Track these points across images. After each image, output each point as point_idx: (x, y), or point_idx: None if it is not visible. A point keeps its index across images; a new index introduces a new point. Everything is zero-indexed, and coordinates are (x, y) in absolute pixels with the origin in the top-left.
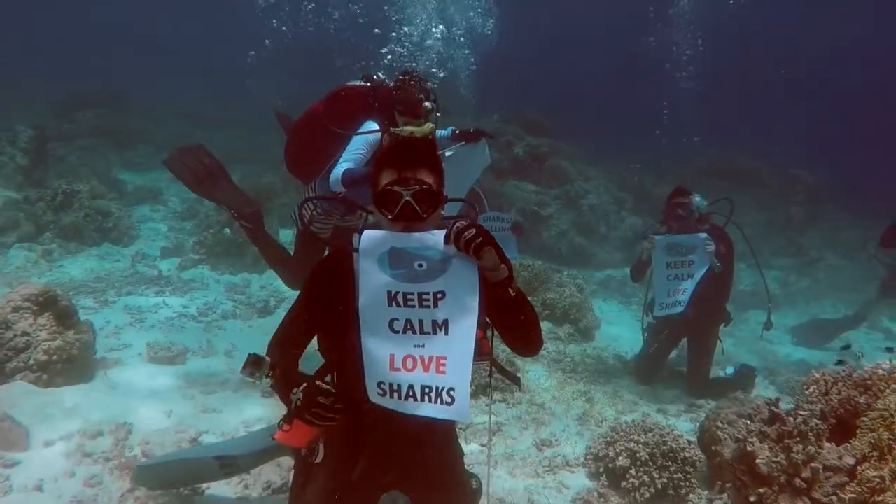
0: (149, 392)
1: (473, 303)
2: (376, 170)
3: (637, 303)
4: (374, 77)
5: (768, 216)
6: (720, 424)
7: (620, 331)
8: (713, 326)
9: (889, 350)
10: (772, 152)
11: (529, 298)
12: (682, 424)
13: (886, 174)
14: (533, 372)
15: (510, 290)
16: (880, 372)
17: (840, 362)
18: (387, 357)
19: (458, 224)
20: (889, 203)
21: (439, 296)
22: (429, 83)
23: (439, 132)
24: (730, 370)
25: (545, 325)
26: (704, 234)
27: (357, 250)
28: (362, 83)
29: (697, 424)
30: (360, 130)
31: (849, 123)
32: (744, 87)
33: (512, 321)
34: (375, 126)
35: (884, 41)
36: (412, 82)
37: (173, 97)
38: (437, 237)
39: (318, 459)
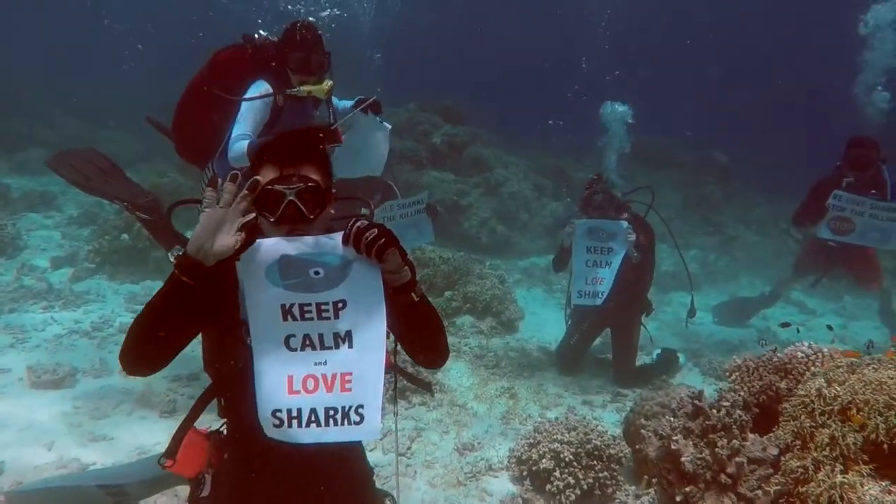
0: (27, 423)
1: (379, 309)
2: (254, 166)
3: (561, 290)
4: (256, 36)
5: (684, 196)
6: (643, 421)
7: (545, 320)
8: (635, 317)
9: (784, 325)
10: (684, 134)
11: (450, 292)
12: (608, 416)
13: (790, 151)
14: (454, 370)
15: (413, 294)
16: (799, 355)
17: (763, 343)
18: (283, 380)
19: (358, 223)
20: (794, 179)
21: (340, 305)
22: (321, 33)
23: (339, 102)
24: (655, 353)
25: (466, 319)
26: (626, 223)
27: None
28: (243, 44)
29: (622, 416)
30: (250, 94)
31: (755, 102)
32: (656, 68)
33: (414, 329)
34: (266, 87)
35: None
36: (303, 32)
37: (74, 96)
38: (334, 240)
39: (205, 493)
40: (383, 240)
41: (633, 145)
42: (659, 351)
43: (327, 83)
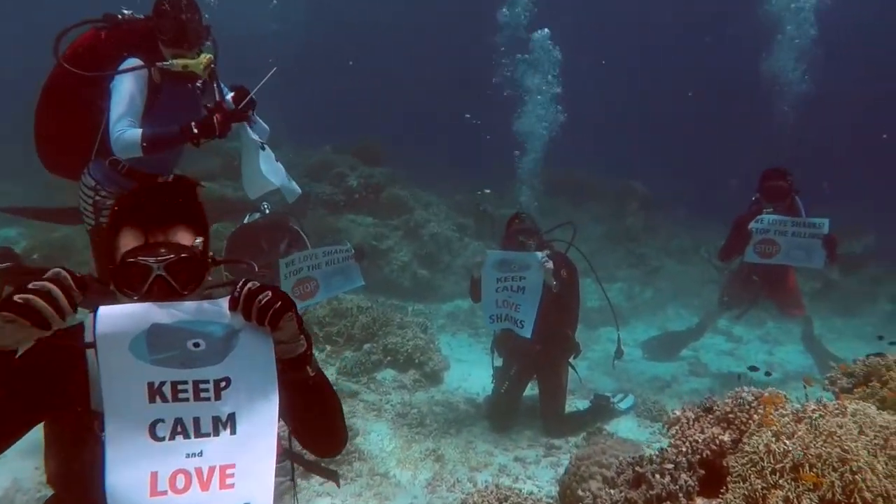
0: None
1: (270, 387)
2: (111, 228)
3: (486, 334)
4: (120, 17)
5: (607, 228)
6: (580, 486)
7: (471, 368)
8: (562, 359)
9: (752, 369)
10: (605, 165)
11: (369, 345)
12: (542, 472)
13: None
14: (375, 432)
15: (308, 368)
16: (741, 401)
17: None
18: (145, 478)
19: (249, 284)
20: (714, 205)
21: (223, 383)
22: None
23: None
24: (585, 403)
25: (388, 374)
26: (541, 254)
27: (90, 346)
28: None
29: (557, 472)
30: (121, 68)
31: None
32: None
33: (309, 410)
34: (137, 61)
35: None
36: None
37: None
38: (219, 306)
39: None
40: (279, 303)
41: (554, 179)
42: (590, 398)
43: (205, 57)
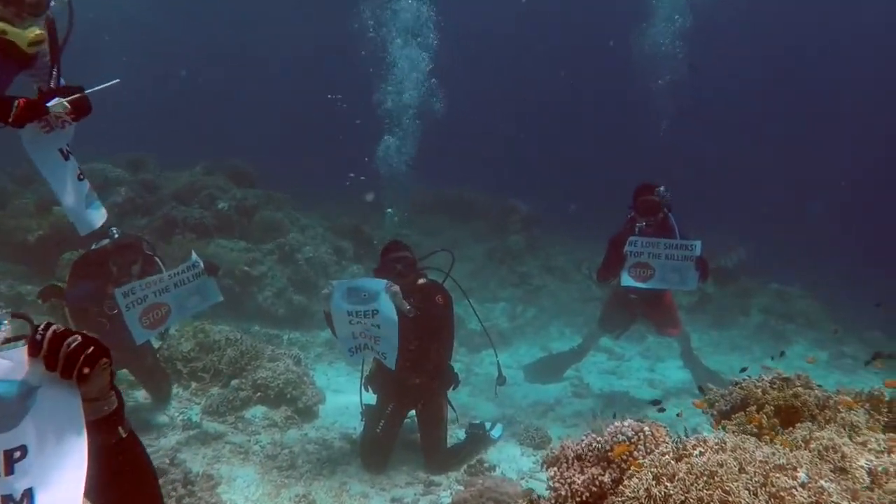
0: None
1: (77, 453)
2: None
3: (367, 361)
4: None
5: (490, 248)
6: None
7: (347, 399)
8: (440, 392)
9: (658, 406)
10: (486, 183)
11: (237, 381)
12: None
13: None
14: (241, 478)
15: (121, 429)
16: (621, 437)
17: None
18: None
19: (54, 327)
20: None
21: (17, 454)
22: None
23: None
24: (461, 433)
25: (258, 411)
26: (385, 281)
27: None
28: None
29: None
30: None
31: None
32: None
33: (119, 480)
34: None
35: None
36: None
37: None
38: (13, 359)
39: None
40: (91, 349)
41: (437, 197)
42: (466, 429)
43: (33, 30)
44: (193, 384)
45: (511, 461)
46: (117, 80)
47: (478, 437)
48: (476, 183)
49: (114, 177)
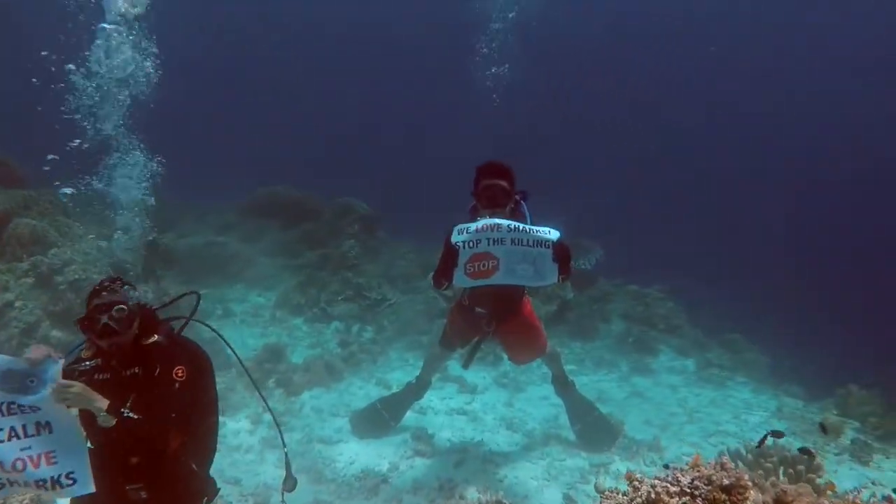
0: None
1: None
2: None
3: None
4: None
5: (320, 255)
6: None
7: None
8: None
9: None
10: (317, 183)
11: None
12: None
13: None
14: None
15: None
16: None
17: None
18: None
19: None
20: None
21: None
22: None
23: None
24: None
25: None
26: (53, 367)
27: None
28: None
29: None
30: None
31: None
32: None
33: None
34: None
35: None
36: None
37: None
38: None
39: None
40: None
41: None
42: None
43: None
44: None
45: None
46: None
47: None
48: (304, 180)
49: None
